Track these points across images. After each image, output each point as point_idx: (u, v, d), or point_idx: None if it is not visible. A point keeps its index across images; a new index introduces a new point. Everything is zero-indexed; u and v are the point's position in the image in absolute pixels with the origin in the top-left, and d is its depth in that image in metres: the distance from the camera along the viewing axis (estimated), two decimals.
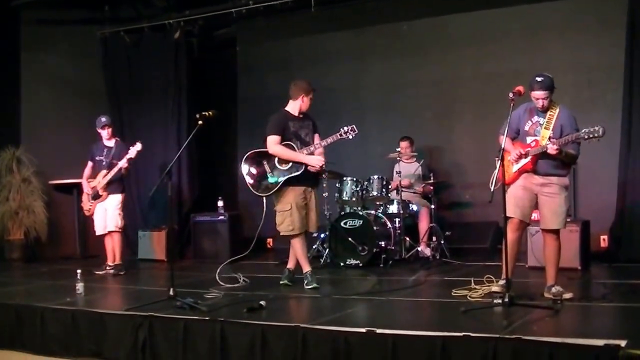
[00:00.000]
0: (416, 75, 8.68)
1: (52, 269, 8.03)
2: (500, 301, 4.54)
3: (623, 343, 3.43)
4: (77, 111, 9.35)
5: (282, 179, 5.84)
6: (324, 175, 7.05)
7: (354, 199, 7.53)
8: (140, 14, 9.69)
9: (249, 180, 6.00)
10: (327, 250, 7.52)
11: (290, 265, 6.16)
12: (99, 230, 7.55)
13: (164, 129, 9.36)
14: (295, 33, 9.43)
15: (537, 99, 4.96)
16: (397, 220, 7.48)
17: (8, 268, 8.42)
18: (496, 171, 4.87)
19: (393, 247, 7.36)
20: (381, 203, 7.74)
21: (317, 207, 6.05)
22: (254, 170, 5.99)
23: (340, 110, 8.59)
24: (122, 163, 7.30)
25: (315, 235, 7.41)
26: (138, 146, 7.29)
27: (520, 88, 4.85)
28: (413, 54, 8.73)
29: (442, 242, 7.56)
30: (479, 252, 7.67)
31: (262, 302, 4.96)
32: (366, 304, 5.31)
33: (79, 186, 8.13)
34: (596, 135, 4.69)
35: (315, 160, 5.82)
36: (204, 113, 5.65)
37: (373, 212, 7.62)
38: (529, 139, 5.07)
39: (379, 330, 4.03)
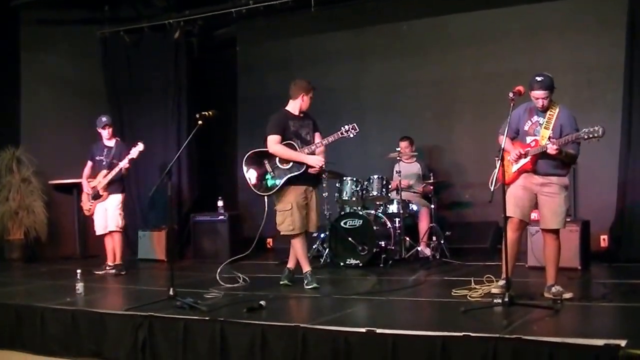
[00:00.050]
0: (416, 75, 8.68)
1: (52, 269, 8.02)
2: (500, 301, 4.54)
3: (623, 343, 3.42)
4: (77, 111, 9.35)
5: (282, 181, 5.84)
6: (324, 175, 7.04)
7: (354, 198, 7.53)
8: (140, 14, 9.68)
9: (250, 180, 5.99)
10: (327, 250, 7.52)
11: (290, 265, 6.15)
12: (99, 230, 7.55)
13: (164, 129, 9.36)
14: (295, 33, 9.42)
15: (537, 98, 4.96)
16: (397, 220, 7.48)
17: (8, 268, 8.41)
18: (496, 171, 4.88)
19: (393, 247, 7.36)
20: (381, 203, 7.74)
21: (317, 207, 6.05)
22: (255, 170, 5.97)
23: (340, 110, 8.58)
24: (124, 163, 7.29)
25: (315, 235, 7.40)
26: (140, 146, 7.27)
27: (520, 88, 4.85)
28: (413, 54, 8.73)
29: (442, 242, 7.56)
30: (479, 252, 7.67)
31: (262, 302, 4.96)
32: (366, 304, 5.31)
33: (79, 186, 8.12)
34: (596, 135, 4.69)
35: (314, 160, 5.81)
36: (203, 113, 5.65)
37: (373, 212, 7.62)
38: (528, 139, 5.06)
39: (379, 330, 4.03)
